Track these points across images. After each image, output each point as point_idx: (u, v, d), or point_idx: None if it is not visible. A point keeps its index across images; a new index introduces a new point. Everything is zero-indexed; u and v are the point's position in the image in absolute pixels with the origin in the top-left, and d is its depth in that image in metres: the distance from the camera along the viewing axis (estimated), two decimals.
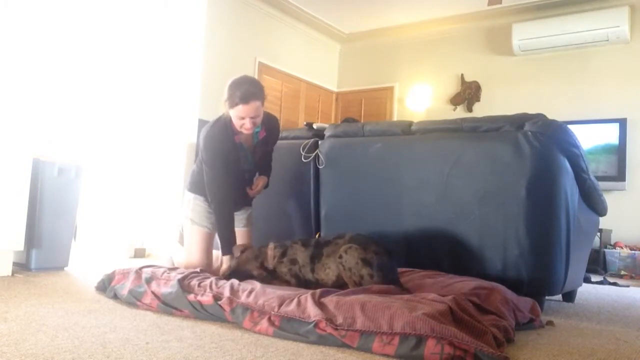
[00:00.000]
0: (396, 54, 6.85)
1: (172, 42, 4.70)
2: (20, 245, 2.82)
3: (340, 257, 2.26)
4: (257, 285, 2.09)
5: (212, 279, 2.16)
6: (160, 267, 2.40)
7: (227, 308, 1.91)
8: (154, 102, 4.56)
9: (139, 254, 4.24)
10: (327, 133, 3.16)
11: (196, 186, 2.78)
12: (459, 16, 6.27)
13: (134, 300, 2.14)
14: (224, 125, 2.61)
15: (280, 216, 3.24)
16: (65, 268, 3.12)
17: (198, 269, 2.39)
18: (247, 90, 2.49)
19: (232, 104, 2.50)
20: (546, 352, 1.74)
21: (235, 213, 2.77)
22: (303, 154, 3.10)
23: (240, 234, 2.79)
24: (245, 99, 2.47)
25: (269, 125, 2.78)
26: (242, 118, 2.51)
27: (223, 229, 2.60)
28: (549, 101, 5.60)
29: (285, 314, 1.78)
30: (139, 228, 4.33)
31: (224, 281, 2.14)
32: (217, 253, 2.84)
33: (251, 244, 2.71)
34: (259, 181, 2.81)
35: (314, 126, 3.34)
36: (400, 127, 2.97)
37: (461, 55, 6.36)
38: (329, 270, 2.32)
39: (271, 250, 2.45)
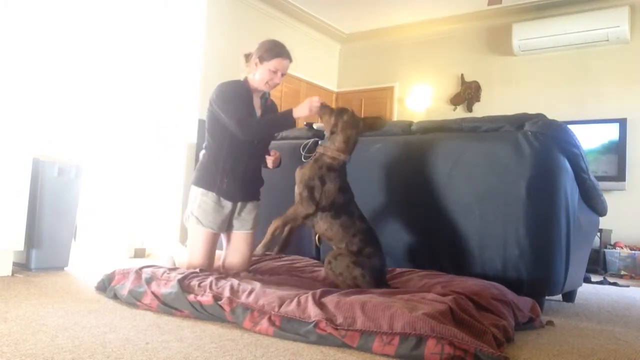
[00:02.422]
0: (396, 54, 6.85)
1: (172, 42, 4.70)
2: (20, 245, 2.82)
3: (330, 262, 2.28)
4: (257, 285, 2.09)
5: (212, 278, 2.16)
6: (160, 267, 2.40)
7: (227, 308, 1.91)
8: (154, 102, 4.56)
9: (139, 254, 4.24)
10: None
11: (204, 180, 2.70)
12: (459, 16, 6.27)
13: (133, 301, 2.14)
14: (240, 83, 2.74)
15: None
16: (65, 268, 3.12)
17: (198, 269, 2.39)
18: (284, 47, 2.69)
19: (269, 57, 2.64)
20: (546, 352, 1.74)
21: (242, 213, 2.76)
22: (303, 154, 3.09)
23: (244, 237, 2.76)
24: (282, 54, 2.66)
25: (272, 102, 2.90)
26: (275, 72, 2.65)
27: (272, 127, 2.71)
28: (549, 101, 5.60)
29: (286, 314, 1.78)
30: (139, 228, 4.33)
31: (224, 281, 2.14)
32: (219, 253, 2.84)
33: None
34: (276, 153, 2.81)
35: (314, 126, 3.34)
36: (400, 127, 2.97)
37: (461, 55, 6.36)
38: (328, 232, 2.32)
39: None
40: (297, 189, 2.38)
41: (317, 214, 2.33)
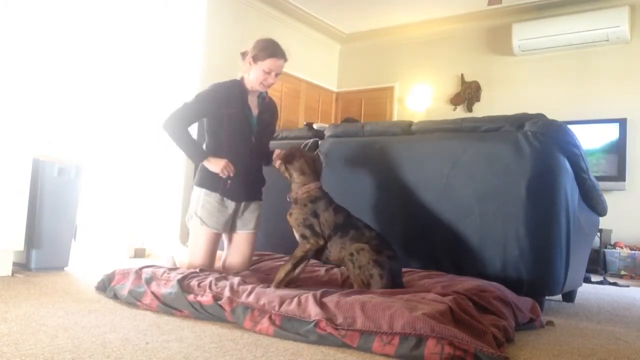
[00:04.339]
0: (396, 54, 6.85)
1: (172, 42, 4.70)
2: (20, 245, 2.82)
3: (352, 254, 2.24)
4: (257, 284, 2.09)
5: (212, 278, 2.16)
6: (161, 267, 2.40)
7: (227, 308, 1.91)
8: (154, 102, 4.56)
9: (139, 254, 4.24)
10: (327, 133, 3.16)
11: (207, 181, 2.69)
12: (459, 16, 6.27)
13: (133, 301, 2.14)
14: (236, 83, 2.73)
15: (280, 217, 3.24)
16: (65, 268, 3.12)
17: (198, 269, 2.39)
18: (279, 47, 2.68)
19: (262, 57, 2.63)
20: (546, 352, 1.74)
21: (245, 213, 2.76)
22: None
23: (246, 237, 2.75)
24: (277, 54, 2.65)
25: (270, 101, 2.88)
26: (268, 72, 2.64)
27: (182, 146, 2.69)
28: (549, 101, 5.59)
29: (286, 313, 1.78)
30: (139, 228, 4.33)
31: (224, 281, 2.14)
32: (219, 253, 2.84)
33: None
34: (278, 151, 2.79)
35: (314, 126, 3.35)
36: (400, 127, 2.97)
37: (461, 55, 6.36)
38: (343, 252, 2.28)
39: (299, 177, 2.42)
40: (297, 233, 2.40)
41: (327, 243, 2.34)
